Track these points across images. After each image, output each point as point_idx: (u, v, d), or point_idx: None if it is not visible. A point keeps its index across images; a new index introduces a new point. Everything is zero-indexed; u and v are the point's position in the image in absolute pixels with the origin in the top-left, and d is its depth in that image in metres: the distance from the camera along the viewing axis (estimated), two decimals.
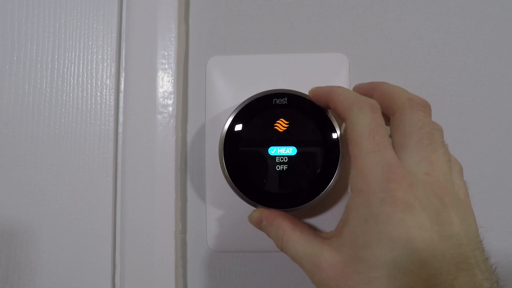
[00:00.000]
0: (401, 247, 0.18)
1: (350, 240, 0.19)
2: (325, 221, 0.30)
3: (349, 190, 0.30)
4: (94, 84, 0.32)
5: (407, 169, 0.19)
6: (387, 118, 0.23)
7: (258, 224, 0.24)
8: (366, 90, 0.24)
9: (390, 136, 0.22)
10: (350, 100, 0.21)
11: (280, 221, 0.23)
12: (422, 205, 0.18)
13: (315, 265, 0.20)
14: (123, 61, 0.32)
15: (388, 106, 0.22)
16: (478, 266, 0.18)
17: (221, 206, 0.30)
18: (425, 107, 0.21)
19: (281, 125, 0.25)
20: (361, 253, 0.19)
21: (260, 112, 0.25)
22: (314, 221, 0.30)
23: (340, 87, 0.23)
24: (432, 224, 0.18)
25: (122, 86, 0.32)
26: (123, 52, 0.32)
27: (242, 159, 0.24)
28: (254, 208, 0.25)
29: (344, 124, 0.22)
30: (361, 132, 0.20)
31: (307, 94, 0.25)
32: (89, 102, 0.31)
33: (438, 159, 0.20)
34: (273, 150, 0.24)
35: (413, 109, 0.21)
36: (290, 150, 0.24)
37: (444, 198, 0.19)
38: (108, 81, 0.32)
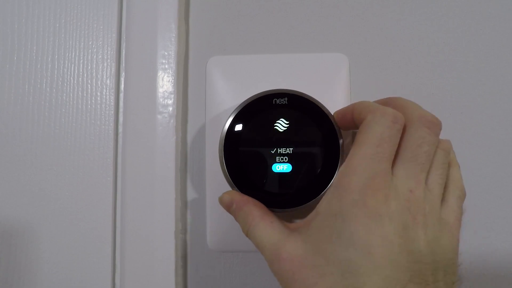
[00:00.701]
0: (358, 249, 0.18)
1: (316, 232, 0.20)
2: None
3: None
4: (94, 84, 0.32)
5: (393, 182, 0.20)
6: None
7: (228, 207, 0.24)
8: (383, 104, 0.24)
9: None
10: (375, 106, 0.21)
11: (251, 208, 0.23)
12: (390, 218, 0.19)
13: (275, 255, 0.21)
14: (123, 61, 0.32)
15: (402, 108, 0.22)
16: (435, 284, 0.19)
17: (221, 206, 0.30)
18: (434, 124, 0.21)
19: (281, 125, 0.25)
20: (322, 246, 0.19)
21: (260, 112, 0.25)
22: None
23: (361, 102, 0.23)
24: (395, 237, 0.18)
25: (122, 86, 0.32)
26: (123, 52, 0.32)
27: (242, 159, 0.24)
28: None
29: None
30: (372, 136, 0.20)
31: (308, 94, 0.25)
32: (89, 102, 0.31)
33: (428, 179, 0.21)
34: (273, 150, 0.24)
35: (419, 125, 0.21)
36: (290, 150, 0.24)
37: (416, 216, 0.19)
38: (108, 81, 0.32)
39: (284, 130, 0.24)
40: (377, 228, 0.19)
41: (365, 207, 0.19)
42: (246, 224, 0.23)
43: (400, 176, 0.20)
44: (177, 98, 0.31)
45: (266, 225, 0.22)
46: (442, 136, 0.32)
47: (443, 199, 0.22)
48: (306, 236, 0.20)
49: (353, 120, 0.23)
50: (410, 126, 0.21)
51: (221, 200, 0.25)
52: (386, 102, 0.24)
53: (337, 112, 0.24)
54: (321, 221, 0.20)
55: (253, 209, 0.23)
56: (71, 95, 0.32)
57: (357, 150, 0.20)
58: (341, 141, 0.24)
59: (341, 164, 0.24)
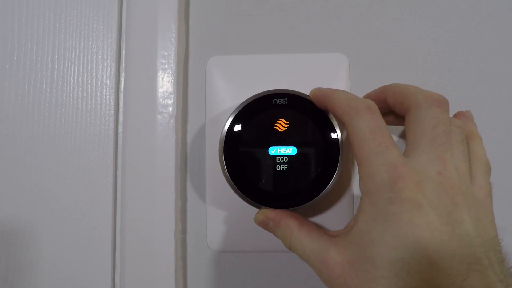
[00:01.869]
0: (408, 247, 0.17)
1: (357, 238, 0.19)
2: (325, 220, 0.30)
3: (353, 191, 0.30)
4: (94, 84, 0.32)
5: (415, 167, 0.19)
6: (401, 117, 0.23)
7: (265, 225, 0.24)
8: (378, 94, 0.24)
9: (404, 134, 0.22)
10: (346, 103, 0.21)
11: (287, 221, 0.23)
12: (431, 204, 0.18)
13: (322, 263, 0.20)
14: (123, 61, 0.32)
15: (402, 104, 0.22)
16: (492, 267, 0.18)
17: (221, 206, 0.30)
18: (442, 103, 0.21)
19: (281, 125, 0.25)
20: (367, 252, 0.18)
21: (260, 112, 0.25)
22: (314, 221, 0.30)
23: (336, 90, 0.23)
24: (442, 224, 0.18)
25: (122, 86, 0.32)
26: (123, 52, 0.32)
27: (242, 159, 0.24)
28: (255, 208, 0.24)
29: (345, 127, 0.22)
30: (361, 134, 0.20)
31: (307, 94, 0.25)
32: (89, 102, 0.31)
33: (452, 158, 0.20)
34: (273, 150, 0.24)
35: (428, 106, 0.20)
36: (290, 150, 0.24)
37: (455, 197, 0.18)
38: (108, 81, 0.32)
39: (284, 130, 0.24)
40: (421, 219, 0.17)
41: (402, 201, 0.18)
42: (287, 239, 0.23)
43: (424, 160, 0.19)
44: (177, 98, 0.31)
45: (305, 235, 0.22)
46: None
47: (470, 176, 0.21)
48: (347, 243, 0.20)
49: (327, 109, 0.23)
50: (418, 109, 0.21)
51: (256, 220, 0.24)
52: (382, 91, 0.24)
53: (314, 94, 0.24)
54: (360, 228, 0.19)
55: (289, 222, 0.23)
56: (71, 95, 0.32)
57: (360, 153, 0.20)
58: (341, 141, 0.24)
59: (341, 164, 0.24)
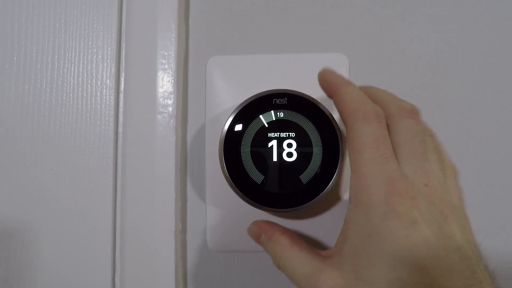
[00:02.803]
0: (406, 266, 0.17)
1: (352, 258, 0.18)
2: (325, 221, 0.30)
3: (344, 198, 0.30)
4: (94, 84, 0.32)
5: (409, 182, 0.18)
6: None
7: (257, 238, 0.23)
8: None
9: None
10: (355, 104, 0.20)
11: (279, 237, 0.22)
12: (425, 220, 0.17)
13: (313, 287, 0.19)
14: (123, 61, 0.32)
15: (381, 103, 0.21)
16: (485, 279, 0.17)
17: (221, 206, 0.30)
18: (414, 113, 0.21)
19: (281, 125, 0.25)
20: (363, 273, 0.18)
21: (260, 112, 0.25)
22: (314, 221, 0.30)
23: (347, 85, 0.22)
24: (436, 239, 0.17)
25: (122, 86, 0.32)
26: (123, 52, 0.32)
27: (242, 159, 0.24)
28: (255, 208, 0.24)
29: (346, 130, 0.21)
30: (365, 140, 0.19)
31: (308, 94, 0.25)
32: (89, 102, 0.31)
33: (432, 167, 0.19)
34: (273, 150, 0.24)
35: (403, 118, 0.20)
36: (290, 150, 0.24)
37: (443, 210, 0.18)
38: (108, 81, 0.32)
39: (284, 130, 0.24)
40: (417, 236, 0.17)
41: (397, 217, 0.17)
42: (277, 256, 0.22)
43: (410, 172, 0.19)
44: (177, 98, 0.31)
45: (295, 254, 0.21)
46: (443, 137, 0.32)
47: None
48: (340, 264, 0.19)
49: (331, 97, 0.22)
50: (394, 121, 0.20)
51: (249, 231, 0.24)
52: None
53: (323, 77, 0.23)
54: (354, 245, 0.18)
55: (281, 238, 0.22)
56: (71, 95, 0.32)
57: (359, 160, 0.19)
58: (341, 141, 0.24)
59: (341, 164, 0.24)
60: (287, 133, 0.24)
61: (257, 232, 0.23)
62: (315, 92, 0.25)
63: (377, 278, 0.17)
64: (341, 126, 0.24)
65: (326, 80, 0.23)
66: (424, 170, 0.19)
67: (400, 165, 0.19)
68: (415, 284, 0.17)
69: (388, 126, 0.20)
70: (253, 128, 0.25)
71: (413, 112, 0.20)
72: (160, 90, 0.31)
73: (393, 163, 0.19)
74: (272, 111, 0.25)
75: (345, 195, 0.30)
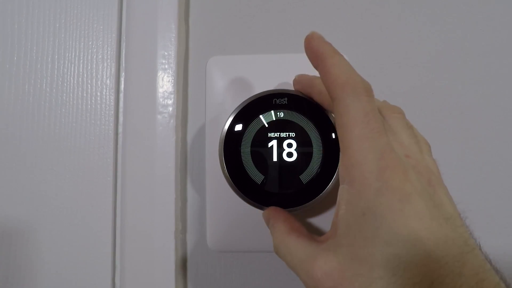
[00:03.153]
0: (403, 241, 0.16)
1: (347, 239, 0.18)
2: (325, 221, 0.30)
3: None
4: (94, 84, 0.32)
5: (399, 155, 0.18)
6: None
7: (267, 223, 0.23)
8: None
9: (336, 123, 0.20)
10: (345, 77, 0.19)
11: (279, 223, 0.22)
12: (418, 192, 0.17)
13: (308, 274, 0.18)
14: (123, 61, 0.32)
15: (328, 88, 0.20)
16: (476, 246, 0.17)
17: (221, 206, 0.30)
18: (369, 91, 0.19)
19: (281, 125, 0.25)
20: (360, 253, 0.17)
21: (260, 112, 0.25)
22: (314, 221, 0.30)
23: (336, 55, 0.20)
24: (429, 210, 0.17)
25: (122, 86, 0.32)
26: (123, 52, 0.32)
27: (242, 159, 0.24)
28: (255, 208, 0.24)
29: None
30: (355, 116, 0.18)
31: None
32: (89, 102, 0.31)
33: (407, 141, 0.19)
34: (273, 150, 0.24)
35: (352, 96, 0.19)
36: (290, 150, 0.24)
37: (430, 179, 0.18)
38: (108, 81, 0.32)
39: (284, 130, 0.24)
40: (411, 209, 0.16)
41: (391, 191, 0.17)
42: (275, 242, 0.21)
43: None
44: (177, 98, 0.31)
45: (291, 240, 0.20)
46: (442, 136, 0.32)
47: None
48: (336, 246, 0.18)
49: (317, 69, 0.21)
50: (344, 98, 0.19)
51: (263, 216, 0.24)
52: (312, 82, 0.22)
53: (299, 80, 0.23)
54: (349, 225, 0.18)
55: (281, 225, 0.21)
56: (71, 95, 0.32)
57: (349, 136, 0.18)
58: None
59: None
60: (287, 133, 0.24)
61: (267, 217, 0.23)
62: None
63: (374, 256, 0.17)
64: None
65: (312, 48, 0.22)
66: (401, 143, 0.19)
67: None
68: (412, 258, 0.16)
69: (340, 104, 0.19)
70: (253, 128, 0.25)
71: (366, 90, 0.19)
72: (160, 90, 0.31)
73: (384, 137, 0.18)
74: (272, 111, 0.25)
75: None
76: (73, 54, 0.32)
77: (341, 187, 0.19)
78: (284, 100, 0.25)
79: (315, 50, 0.21)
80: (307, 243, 0.20)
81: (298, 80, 0.24)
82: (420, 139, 0.21)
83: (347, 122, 0.18)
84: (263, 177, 0.24)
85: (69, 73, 0.32)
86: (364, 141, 0.18)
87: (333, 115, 0.24)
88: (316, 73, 0.22)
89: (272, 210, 0.23)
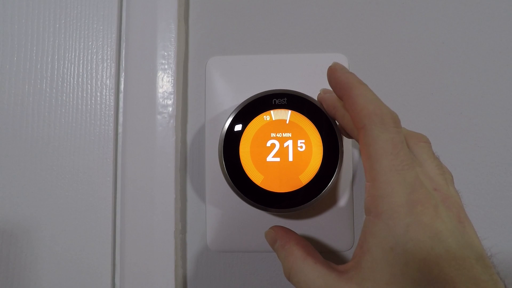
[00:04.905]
0: (432, 280, 0.16)
1: (373, 273, 0.17)
2: (325, 221, 0.30)
3: (353, 191, 0.30)
4: (94, 85, 0.32)
5: (428, 190, 0.17)
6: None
7: (272, 243, 0.23)
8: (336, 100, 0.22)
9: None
10: (372, 107, 0.19)
11: (292, 247, 0.21)
12: (448, 229, 0.17)
13: None
14: (123, 61, 0.32)
15: (355, 119, 0.20)
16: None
17: (221, 206, 0.30)
18: (397, 122, 0.19)
19: (280, 125, 0.25)
20: None
21: (259, 112, 0.25)
22: (314, 221, 0.30)
23: (360, 85, 0.20)
24: (460, 250, 0.16)
25: (122, 86, 0.32)
26: (123, 52, 0.32)
27: (242, 159, 0.24)
28: (255, 208, 0.24)
29: (359, 135, 0.20)
30: (384, 147, 0.18)
31: (307, 94, 0.25)
32: (89, 102, 0.31)
33: (434, 173, 0.19)
34: (273, 150, 0.24)
35: (380, 126, 0.19)
36: (290, 151, 0.24)
37: (460, 215, 0.17)
38: (108, 81, 0.32)
39: (284, 130, 0.24)
40: (442, 247, 0.16)
41: (422, 228, 0.16)
42: (288, 266, 0.20)
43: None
44: (177, 98, 0.31)
45: (309, 267, 0.19)
46: (442, 136, 0.32)
47: None
48: (360, 279, 0.17)
49: (342, 98, 0.20)
50: (372, 130, 0.19)
51: (266, 236, 0.23)
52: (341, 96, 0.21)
53: (333, 76, 0.21)
54: (375, 259, 0.17)
55: (295, 249, 0.21)
56: (71, 95, 0.32)
57: (378, 168, 0.18)
58: (340, 141, 0.24)
59: (340, 164, 0.24)
60: (287, 133, 0.24)
61: (273, 237, 0.22)
62: (315, 92, 0.25)
63: None
64: (342, 129, 0.24)
65: (336, 79, 0.21)
66: (428, 175, 0.18)
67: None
68: None
69: (369, 137, 0.19)
70: (252, 128, 0.25)
71: (392, 118, 0.19)
72: (160, 90, 0.31)
73: (413, 170, 0.18)
74: (272, 111, 0.25)
75: (345, 196, 0.30)
76: (73, 54, 0.32)
77: (367, 218, 0.19)
78: (284, 100, 0.25)
79: (340, 80, 0.21)
80: (326, 271, 0.19)
81: (323, 97, 0.23)
82: (445, 170, 0.20)
83: (375, 153, 0.18)
84: (262, 177, 0.24)
85: (69, 73, 0.32)
86: (393, 173, 0.17)
87: (358, 144, 0.23)
88: None
89: (279, 230, 0.23)
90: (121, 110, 0.32)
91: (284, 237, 0.22)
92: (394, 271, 0.16)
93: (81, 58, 0.32)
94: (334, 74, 0.21)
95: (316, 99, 0.25)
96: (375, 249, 0.17)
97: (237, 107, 0.25)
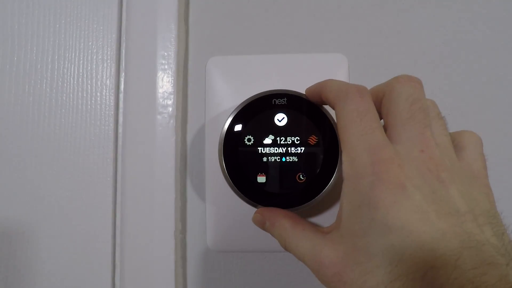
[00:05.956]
0: (396, 232, 0.17)
1: (348, 230, 0.19)
2: (325, 221, 0.30)
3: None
4: (94, 85, 0.32)
5: (397, 149, 0.19)
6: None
7: (262, 225, 0.24)
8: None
9: (382, 118, 0.21)
10: (337, 87, 0.21)
11: (281, 221, 0.23)
12: (415, 185, 0.17)
13: (317, 262, 0.20)
14: (123, 62, 0.32)
15: (378, 92, 0.22)
16: (488, 241, 0.17)
17: (221, 206, 0.30)
18: (414, 81, 0.21)
19: (280, 125, 0.25)
20: (359, 243, 0.18)
21: (259, 112, 0.25)
22: (314, 221, 0.30)
23: (329, 80, 0.23)
24: (428, 203, 0.17)
25: (122, 87, 0.32)
26: (123, 53, 0.32)
27: (242, 159, 0.24)
28: (254, 208, 0.25)
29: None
30: (349, 116, 0.20)
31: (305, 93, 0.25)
32: (89, 102, 0.32)
33: (432, 134, 0.19)
34: (273, 150, 0.24)
35: (402, 86, 0.20)
36: (290, 151, 0.24)
37: (440, 174, 0.18)
38: (108, 82, 0.32)
39: (284, 130, 0.24)
40: (406, 201, 0.17)
41: (384, 184, 0.17)
42: (282, 240, 0.22)
43: (404, 140, 0.19)
44: (177, 98, 0.31)
45: (298, 233, 0.21)
46: None
47: (459, 151, 0.20)
48: (339, 236, 0.19)
49: (321, 99, 0.23)
50: (392, 91, 0.20)
51: (254, 220, 0.24)
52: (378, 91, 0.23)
53: (308, 91, 0.24)
54: (348, 217, 0.19)
55: (284, 222, 0.22)
56: (71, 95, 0.32)
57: (345, 136, 0.20)
58: (340, 142, 0.24)
59: (340, 163, 0.24)
60: (287, 133, 0.24)
61: (261, 220, 0.24)
62: None
63: (372, 246, 0.17)
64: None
65: (311, 91, 0.24)
66: (423, 137, 0.19)
67: (396, 133, 0.19)
68: (406, 248, 0.17)
69: (386, 97, 0.21)
70: (252, 128, 0.25)
71: (412, 79, 0.21)
72: (160, 90, 0.31)
73: (377, 133, 0.19)
74: (272, 111, 0.25)
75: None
76: (73, 54, 0.32)
77: (343, 183, 0.20)
78: (284, 100, 0.25)
79: (312, 90, 0.24)
80: (313, 235, 0.21)
81: (310, 90, 0.25)
82: (464, 132, 0.21)
83: (344, 124, 0.20)
84: (262, 177, 0.24)
85: (69, 73, 0.32)
86: (358, 138, 0.19)
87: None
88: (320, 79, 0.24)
89: (265, 211, 0.24)
90: (121, 110, 0.32)
91: (271, 216, 0.23)
92: (363, 226, 0.18)
93: (81, 58, 0.32)
94: (308, 90, 0.24)
95: None
96: (348, 209, 0.19)
97: (237, 107, 0.25)
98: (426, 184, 0.18)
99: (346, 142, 0.20)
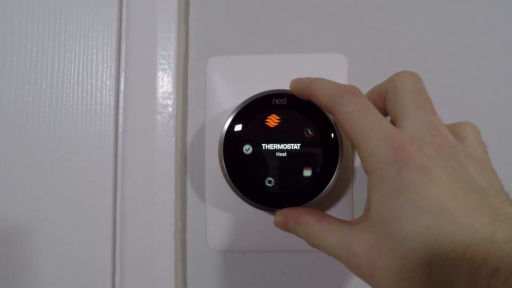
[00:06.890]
0: (428, 213, 0.17)
1: (377, 219, 0.19)
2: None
3: (353, 190, 0.30)
4: (94, 85, 0.32)
5: (411, 135, 0.19)
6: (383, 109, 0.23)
7: (285, 226, 0.23)
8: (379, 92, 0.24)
9: (388, 113, 0.22)
10: (329, 91, 0.21)
11: (306, 218, 0.22)
12: (438, 166, 0.18)
13: (348, 253, 0.20)
14: (123, 62, 0.32)
15: (381, 90, 0.22)
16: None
17: (221, 206, 0.30)
18: (415, 75, 0.22)
19: (280, 125, 0.25)
20: (391, 229, 0.18)
21: (259, 112, 0.25)
22: None
23: (315, 79, 0.23)
24: (454, 182, 0.17)
25: (122, 87, 0.32)
26: (123, 52, 0.32)
27: (242, 159, 0.24)
28: (255, 208, 0.24)
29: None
30: (351, 116, 0.20)
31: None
32: (89, 102, 0.32)
33: (440, 121, 0.20)
34: (273, 150, 0.24)
35: (403, 79, 0.21)
36: (290, 150, 0.24)
37: (457, 155, 0.18)
38: (108, 82, 0.32)
39: (284, 130, 0.24)
40: (434, 182, 0.17)
41: (409, 168, 0.18)
42: (308, 236, 0.22)
43: (416, 128, 0.19)
44: (177, 98, 0.31)
45: (325, 228, 0.21)
46: None
47: (459, 140, 0.21)
48: (369, 226, 0.19)
49: (309, 99, 0.23)
50: (394, 85, 0.21)
51: (275, 223, 0.24)
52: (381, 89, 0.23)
53: (295, 89, 0.24)
54: (377, 207, 0.19)
55: (308, 218, 0.22)
56: (71, 95, 0.32)
57: (354, 135, 0.20)
58: (340, 140, 0.24)
59: (341, 163, 0.24)
60: (287, 133, 0.24)
61: (284, 221, 0.23)
62: None
63: (403, 230, 0.17)
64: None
65: (296, 87, 0.24)
66: (433, 124, 0.20)
67: (407, 122, 0.20)
68: (441, 228, 0.17)
69: (390, 92, 0.21)
70: (252, 128, 0.25)
71: (411, 74, 0.21)
72: (160, 90, 0.31)
73: (386, 124, 0.19)
74: (272, 111, 0.25)
75: (345, 196, 0.30)
76: (73, 54, 0.32)
77: (367, 178, 0.20)
78: (284, 100, 0.25)
79: (299, 87, 0.24)
80: (340, 227, 0.21)
81: (296, 85, 0.25)
82: (461, 122, 0.22)
83: (348, 125, 0.20)
84: (262, 177, 0.24)
85: (69, 73, 0.32)
86: (368, 132, 0.19)
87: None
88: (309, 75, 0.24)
89: (287, 211, 0.23)
90: (121, 110, 0.32)
91: (294, 215, 0.23)
92: (394, 213, 0.18)
93: (81, 58, 0.32)
94: (294, 86, 0.24)
95: None
96: (376, 201, 0.19)
97: (237, 107, 0.25)
98: (447, 165, 0.18)
99: (358, 139, 0.20)
